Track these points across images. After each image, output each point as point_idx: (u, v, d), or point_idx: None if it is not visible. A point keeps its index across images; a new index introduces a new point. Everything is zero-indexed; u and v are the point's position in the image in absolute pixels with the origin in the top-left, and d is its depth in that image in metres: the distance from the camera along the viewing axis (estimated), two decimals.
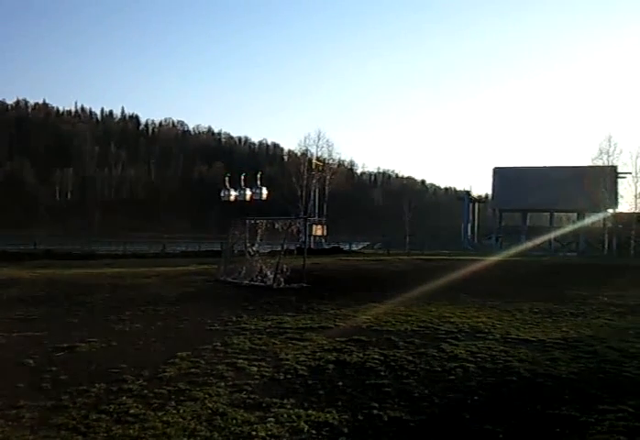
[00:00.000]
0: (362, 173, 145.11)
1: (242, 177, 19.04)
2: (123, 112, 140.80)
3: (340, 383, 6.06)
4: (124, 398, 5.38)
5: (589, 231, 48.56)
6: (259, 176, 18.94)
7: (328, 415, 4.99)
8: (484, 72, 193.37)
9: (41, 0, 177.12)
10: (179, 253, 35.63)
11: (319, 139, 47.95)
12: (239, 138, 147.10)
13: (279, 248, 17.10)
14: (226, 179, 19.25)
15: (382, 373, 6.49)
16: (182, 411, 5.02)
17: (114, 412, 4.96)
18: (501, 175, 53.10)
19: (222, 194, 19.08)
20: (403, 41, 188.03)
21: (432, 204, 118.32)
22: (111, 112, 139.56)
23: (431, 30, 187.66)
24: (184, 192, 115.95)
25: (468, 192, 60.31)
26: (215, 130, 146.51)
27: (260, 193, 18.50)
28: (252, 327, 9.28)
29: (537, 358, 7.25)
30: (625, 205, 45.82)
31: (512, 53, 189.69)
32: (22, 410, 5.01)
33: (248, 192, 18.50)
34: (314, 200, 44.06)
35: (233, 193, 18.70)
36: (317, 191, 44.42)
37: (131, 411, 5.00)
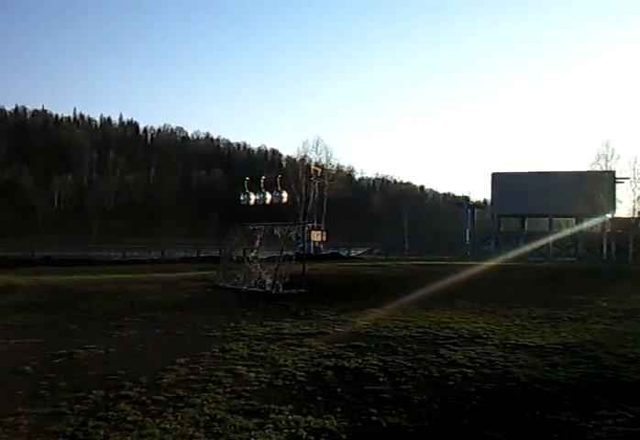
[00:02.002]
0: (361, 179, 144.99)
1: (261, 180, 19.05)
2: (121, 118, 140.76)
3: (339, 389, 6.05)
4: (122, 405, 5.37)
5: (587, 236, 48.65)
6: (278, 180, 18.94)
7: (327, 421, 4.98)
8: (482, 77, 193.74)
9: (39, 6, 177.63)
10: (178, 259, 35.62)
11: (318, 145, 48.30)
12: (238, 144, 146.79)
13: (277, 254, 17.10)
14: (245, 183, 19.19)
15: (381, 379, 6.49)
16: (180, 417, 5.02)
17: (112, 419, 4.96)
18: (499, 180, 53.14)
19: (241, 198, 18.99)
20: (402, 46, 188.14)
21: (431, 210, 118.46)
22: (109, 118, 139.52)
23: (429, 36, 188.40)
24: (183, 198, 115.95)
25: (466, 198, 60.73)
26: (214, 136, 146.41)
27: (280, 197, 18.50)
28: (251, 333, 9.27)
29: (536, 364, 7.25)
30: (624, 210, 46.04)
31: (510, 58, 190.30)
32: (20, 417, 5.00)
33: (269, 196, 18.48)
34: (313, 206, 44.07)
35: (253, 197, 18.65)
36: (316, 196, 44.44)
37: (129, 417, 5.00)
